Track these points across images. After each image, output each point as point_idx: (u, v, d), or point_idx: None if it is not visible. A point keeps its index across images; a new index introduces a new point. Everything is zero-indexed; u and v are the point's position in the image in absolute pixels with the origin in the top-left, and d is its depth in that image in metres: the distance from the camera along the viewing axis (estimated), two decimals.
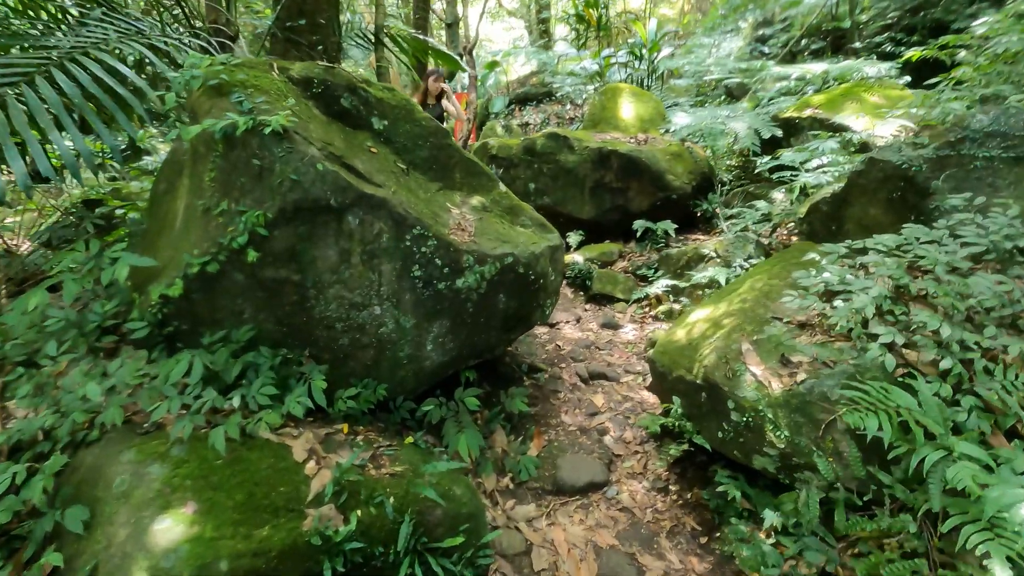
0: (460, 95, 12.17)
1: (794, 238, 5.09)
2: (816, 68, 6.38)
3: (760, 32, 12.05)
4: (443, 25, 11.41)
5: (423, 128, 3.06)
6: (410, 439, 2.55)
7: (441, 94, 6.15)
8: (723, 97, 10.25)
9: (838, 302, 2.68)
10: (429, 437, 2.91)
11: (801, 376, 2.46)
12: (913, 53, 5.20)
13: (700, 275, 4.54)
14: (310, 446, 2.11)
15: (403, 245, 2.48)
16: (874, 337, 2.39)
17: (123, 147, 4.46)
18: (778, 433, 2.38)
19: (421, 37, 4.96)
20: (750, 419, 2.47)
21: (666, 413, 3.36)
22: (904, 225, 2.90)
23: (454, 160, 3.18)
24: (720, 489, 2.60)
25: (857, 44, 7.86)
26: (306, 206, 2.26)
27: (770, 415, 2.41)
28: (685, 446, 2.80)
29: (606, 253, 5.84)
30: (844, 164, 4.59)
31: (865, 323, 2.48)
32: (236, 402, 2.10)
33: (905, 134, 5.14)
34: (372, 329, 2.59)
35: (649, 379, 4.06)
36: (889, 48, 8.68)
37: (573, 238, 6.22)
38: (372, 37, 5.18)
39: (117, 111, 2.62)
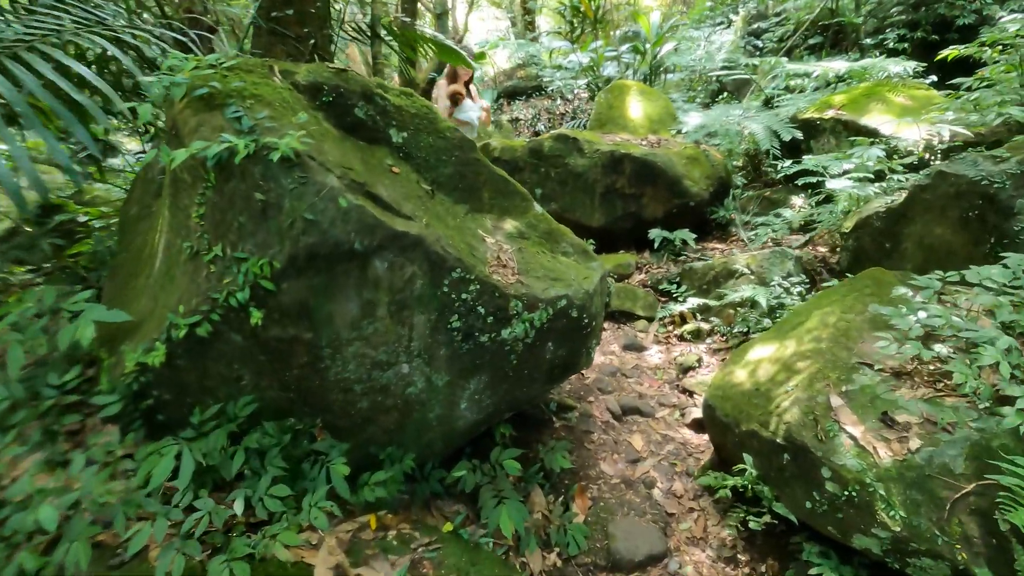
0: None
1: (824, 251, 4.76)
2: (835, 65, 6.05)
3: (755, 26, 11.75)
4: (432, 16, 10.82)
5: (447, 140, 2.59)
6: (449, 526, 2.11)
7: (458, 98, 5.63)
8: (724, 94, 9.92)
9: (939, 347, 2.32)
10: (461, 507, 2.47)
11: (914, 443, 2.09)
12: (951, 51, 4.88)
13: (735, 294, 4.17)
14: (335, 560, 1.65)
15: (440, 292, 2.02)
16: (1006, 399, 2.03)
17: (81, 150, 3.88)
18: (892, 513, 2.01)
19: (428, 32, 4.45)
20: (853, 492, 2.09)
21: (721, 464, 2.98)
22: (1005, 254, 2.54)
23: (482, 177, 2.72)
24: (813, 572, 2.22)
25: (868, 40, 7.57)
26: (324, 252, 1.78)
27: (881, 490, 2.03)
28: (767, 517, 2.41)
29: (622, 265, 5.44)
30: (876, 174, 4.26)
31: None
32: (239, 507, 1.63)
33: (937, 139, 4.84)
34: (398, 390, 2.14)
35: (688, 415, 3.68)
36: (891, 44, 8.44)
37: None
38: (367, 29, 4.64)
39: (74, 122, 2.09)
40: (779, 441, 2.37)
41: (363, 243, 1.82)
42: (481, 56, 14.21)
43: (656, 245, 5.53)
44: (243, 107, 1.80)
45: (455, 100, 5.09)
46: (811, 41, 9.96)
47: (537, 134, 11.67)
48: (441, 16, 9.28)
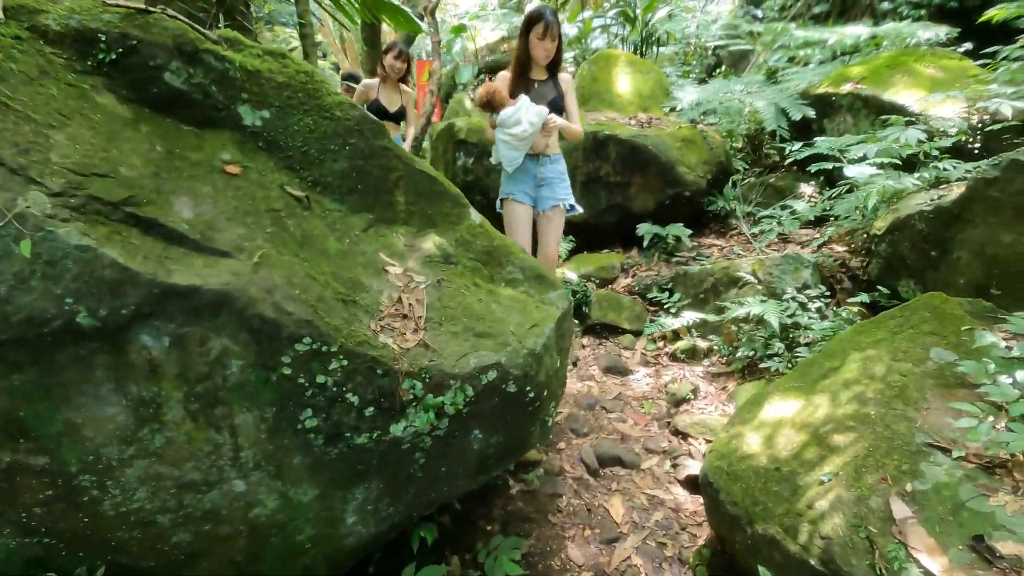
0: (422, 63, 10.69)
1: (844, 253, 3.99)
2: (855, 31, 5.21)
3: None
4: None
5: (338, 122, 1.79)
6: None
7: (405, 78, 4.75)
8: (722, 68, 9.05)
9: None
10: None
11: None
12: (997, 11, 4.05)
13: (738, 309, 3.40)
14: None
15: (276, 377, 1.23)
16: None
17: None
18: None
19: None
20: None
21: (724, 556, 2.24)
22: None
23: (395, 174, 1.92)
24: None
25: (886, 5, 6.71)
26: (18, 334, 0.98)
27: None
28: None
29: (605, 267, 4.66)
30: (905, 160, 3.47)
31: None
32: None
33: (979, 117, 4.05)
34: (236, 513, 1.37)
35: (681, 467, 2.94)
36: (906, 11, 7.59)
37: (562, 245, 5.01)
38: None
39: None
40: (813, 564, 1.62)
41: (99, 313, 1.02)
42: (461, 28, 13.22)
43: (645, 243, 4.75)
44: None
45: (491, 105, 2.95)
46: (816, 9, 9.08)
47: None
48: None
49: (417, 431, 1.41)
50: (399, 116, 4.71)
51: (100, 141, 1.18)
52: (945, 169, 3.33)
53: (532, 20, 2.97)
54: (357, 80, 6.04)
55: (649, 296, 4.35)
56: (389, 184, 1.91)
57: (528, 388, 1.57)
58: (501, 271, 1.97)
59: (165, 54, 1.44)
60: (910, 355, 2.01)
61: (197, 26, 1.57)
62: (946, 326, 2.08)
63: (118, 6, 1.37)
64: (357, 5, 4.09)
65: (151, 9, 1.43)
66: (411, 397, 1.36)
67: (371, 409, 1.33)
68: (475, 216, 2.07)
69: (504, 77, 3.15)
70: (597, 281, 4.57)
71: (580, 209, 3.42)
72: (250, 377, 1.20)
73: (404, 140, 4.77)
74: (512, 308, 1.74)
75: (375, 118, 1.96)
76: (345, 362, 1.28)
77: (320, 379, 1.26)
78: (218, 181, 1.41)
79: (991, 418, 1.61)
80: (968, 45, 5.05)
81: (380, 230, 1.84)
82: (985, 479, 1.58)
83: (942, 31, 4.84)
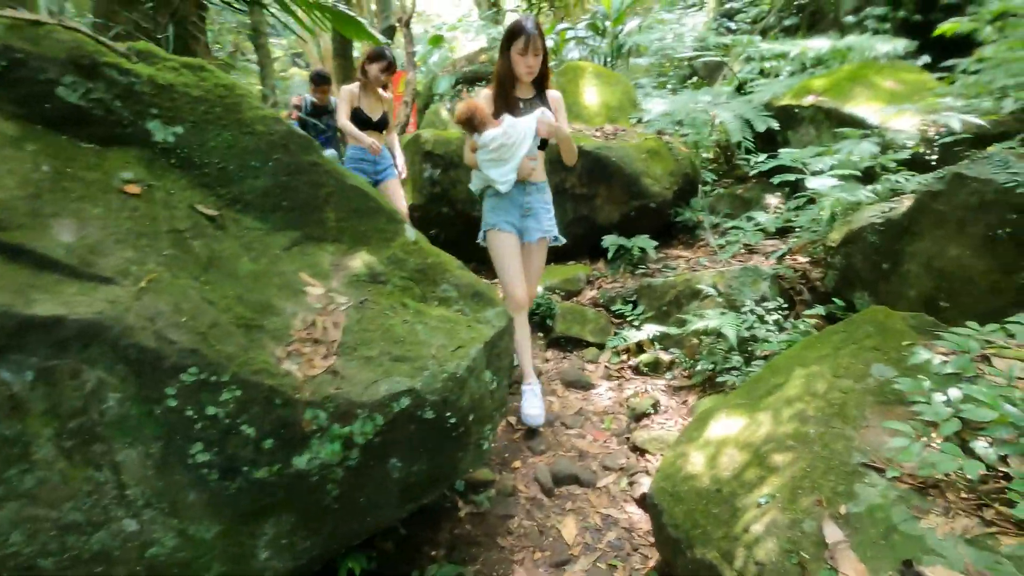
0: (398, 73, 10.66)
1: (806, 263, 3.99)
2: (815, 44, 5.28)
3: (727, 6, 10.99)
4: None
5: (260, 137, 1.73)
6: None
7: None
8: (695, 79, 9.14)
9: (982, 446, 1.55)
10: None
11: None
12: (950, 25, 4.12)
13: (698, 322, 3.38)
14: None
15: (161, 409, 1.16)
16: None
17: None
18: None
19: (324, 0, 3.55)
20: None
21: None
22: None
23: (325, 190, 1.86)
24: None
25: (851, 19, 6.82)
26: None
27: None
28: None
29: (571, 279, 4.62)
30: (866, 172, 3.48)
31: None
32: None
33: (934, 130, 4.10)
34: (130, 554, 1.28)
35: (637, 485, 2.88)
36: (872, 24, 7.73)
37: None
38: None
39: None
40: None
41: None
42: (438, 39, 13.24)
43: (611, 255, 4.73)
44: None
45: (472, 123, 2.75)
46: (787, 22, 9.22)
47: None
48: None
49: (324, 463, 1.34)
50: (382, 124, 4.50)
51: None
52: (898, 181, 3.35)
53: (513, 34, 2.71)
54: (326, 79, 5.86)
55: (613, 308, 4.32)
56: (319, 201, 1.85)
57: (448, 414, 1.51)
58: (435, 289, 1.91)
59: (57, 68, 1.37)
60: (851, 371, 1.99)
61: (102, 39, 1.50)
62: (888, 341, 2.06)
63: (3, 16, 1.31)
64: (316, 17, 4.04)
65: (43, 20, 1.36)
66: (315, 428, 1.29)
67: (270, 441, 1.26)
68: (410, 232, 2.02)
69: (486, 96, 2.87)
70: (562, 294, 4.53)
71: (564, 240, 3.33)
72: (131, 411, 1.13)
73: (390, 148, 4.68)
74: (438, 330, 1.68)
75: (303, 133, 1.91)
76: (239, 392, 1.21)
77: (210, 411, 1.19)
78: (113, 202, 1.34)
79: (924, 437, 1.58)
80: (926, 58, 5.13)
81: (306, 248, 1.78)
82: (918, 500, 1.55)
83: (900, 45, 4.92)
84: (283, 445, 1.28)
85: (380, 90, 4.41)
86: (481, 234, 3.15)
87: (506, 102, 2.78)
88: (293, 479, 1.33)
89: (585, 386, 3.76)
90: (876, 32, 7.05)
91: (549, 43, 9.99)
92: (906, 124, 4.20)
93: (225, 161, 1.68)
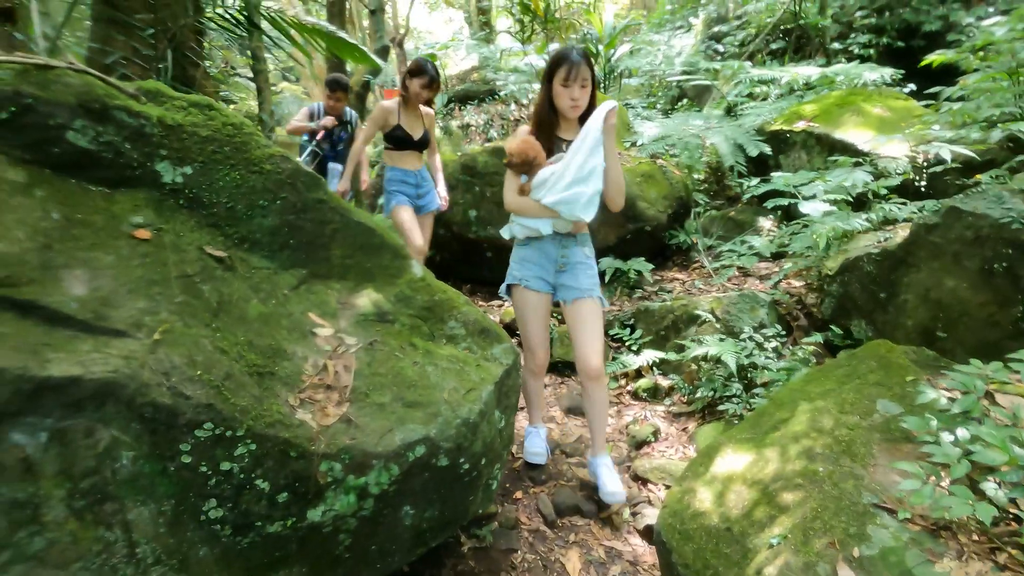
0: (390, 92, 10.72)
1: (801, 288, 4.04)
2: (805, 71, 5.39)
3: (715, 29, 11.22)
4: (367, 12, 9.88)
5: (267, 176, 1.72)
6: None
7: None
8: (684, 101, 9.28)
9: (992, 487, 1.56)
10: None
11: None
12: (937, 57, 4.24)
13: (697, 348, 3.39)
14: None
15: (174, 466, 1.13)
16: None
17: None
18: None
19: (314, 20, 3.55)
20: None
21: None
22: None
23: (331, 227, 1.85)
24: None
25: (836, 44, 6.98)
26: None
27: None
28: None
29: None
30: (858, 199, 3.54)
31: None
32: None
33: (924, 157, 4.19)
34: None
35: (641, 516, 2.86)
36: (857, 50, 7.93)
37: None
38: (243, 19, 3.71)
39: None
40: None
41: None
42: (431, 58, 13.34)
43: (607, 278, 4.75)
44: None
45: (529, 164, 2.33)
46: (773, 46, 9.42)
47: (489, 141, 10.88)
48: (375, 12, 8.35)
49: (339, 514, 1.32)
50: (423, 143, 4.07)
51: None
52: (891, 210, 3.41)
53: (556, 63, 2.33)
54: (343, 86, 4.85)
55: (611, 333, 4.33)
56: (324, 238, 1.84)
57: (462, 460, 1.50)
58: (443, 327, 1.90)
59: (67, 112, 1.35)
60: (857, 407, 2.00)
61: (109, 79, 1.49)
62: (892, 376, 2.08)
63: (12, 62, 1.29)
64: (317, 44, 4.06)
65: (53, 64, 1.35)
66: (330, 480, 1.27)
67: (285, 495, 1.23)
68: (417, 269, 2.01)
69: (524, 133, 2.44)
70: (559, 319, 4.52)
71: (608, 304, 2.95)
72: (144, 469, 1.10)
73: (432, 171, 4.28)
74: (449, 371, 1.67)
75: (314, 174, 1.90)
76: (253, 446, 1.18)
77: (225, 466, 1.16)
78: (123, 249, 1.32)
79: (934, 478, 1.59)
80: (912, 86, 5.26)
81: (313, 287, 1.76)
82: (931, 543, 1.55)
83: (887, 73, 5.04)
84: (298, 499, 1.25)
85: (422, 106, 4.03)
86: (504, 287, 2.69)
87: (547, 143, 2.37)
88: (306, 531, 1.30)
89: (583, 412, 3.75)
90: (861, 58, 7.23)
91: (540, 63, 10.09)
92: (895, 151, 4.29)
93: (233, 200, 1.66)
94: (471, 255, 5.50)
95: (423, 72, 3.82)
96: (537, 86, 10.83)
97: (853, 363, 2.20)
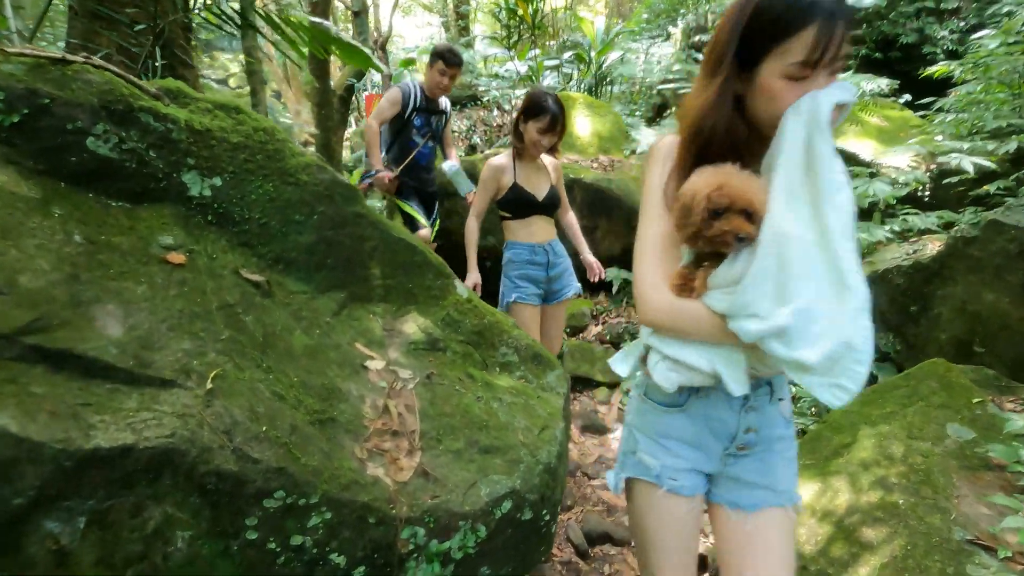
0: (372, 96, 10.45)
1: None
2: None
3: (696, 38, 11.33)
4: (350, 13, 9.63)
5: (303, 187, 1.53)
6: None
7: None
8: (671, 110, 9.29)
9: None
10: None
11: None
12: (938, 69, 4.28)
13: None
14: None
15: (238, 544, 0.93)
16: None
17: None
18: None
19: (313, 20, 3.33)
20: None
21: None
22: None
23: (370, 244, 1.66)
24: None
25: None
26: None
27: None
28: None
29: (576, 315, 4.49)
30: (864, 210, 3.51)
31: None
32: None
33: (926, 167, 4.22)
34: None
35: None
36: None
37: None
38: (236, 16, 3.47)
39: None
40: None
41: None
42: (410, 62, 13.13)
43: (615, 288, 4.63)
44: None
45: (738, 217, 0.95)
46: None
47: (472, 147, 10.70)
48: (359, 14, 8.10)
49: None
50: (552, 204, 2.86)
51: None
52: (905, 219, 3.38)
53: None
54: (458, 60, 3.73)
55: (621, 344, 4.20)
56: (363, 256, 1.65)
57: (544, 512, 1.33)
58: (495, 353, 1.73)
59: (88, 115, 1.14)
60: (926, 432, 1.91)
61: (131, 78, 1.27)
62: (956, 398, 1.99)
63: (24, 55, 1.07)
64: (308, 42, 3.83)
65: (71, 58, 1.14)
66: (411, 548, 1.08)
67: (362, 570, 1.04)
68: (461, 289, 1.84)
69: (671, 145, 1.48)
70: (568, 330, 4.38)
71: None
72: (202, 551, 0.90)
73: (570, 233, 3.11)
74: (515, 406, 1.50)
75: (346, 181, 1.70)
76: (329, 515, 0.99)
77: (296, 540, 0.97)
78: (157, 276, 1.11)
79: None
80: (908, 96, 5.33)
81: (354, 311, 1.57)
82: None
83: (884, 83, 5.08)
84: (375, 572, 1.06)
85: (544, 156, 2.84)
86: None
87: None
88: None
89: (600, 430, 3.61)
90: (844, 69, 7.34)
91: (524, 69, 9.98)
92: (899, 161, 4.31)
93: (267, 216, 1.46)
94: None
95: (543, 111, 2.59)
96: (520, 92, 10.76)
97: (912, 384, 2.11)
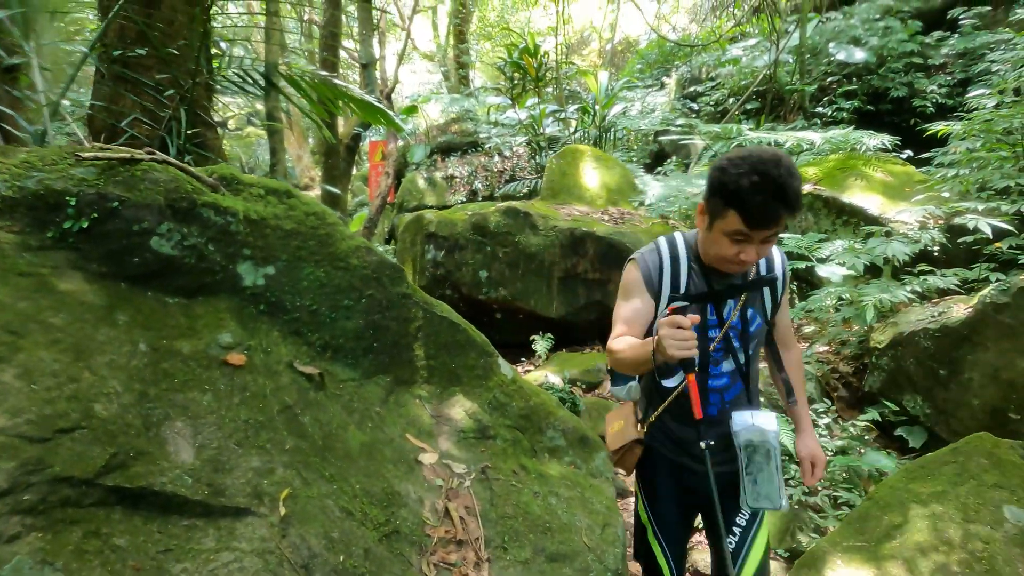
0: (376, 143, 10.63)
1: (829, 354, 3.96)
2: (808, 136, 5.53)
3: (691, 89, 11.66)
4: (357, 66, 9.87)
5: (353, 271, 1.50)
6: None
7: None
8: (674, 159, 9.49)
9: None
10: None
11: None
12: (943, 128, 4.39)
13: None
14: None
15: None
16: None
17: None
18: None
19: (333, 81, 3.39)
20: None
21: None
22: None
23: (414, 325, 1.62)
24: None
25: (820, 108, 7.28)
26: None
27: None
28: None
29: (590, 370, 4.42)
30: (863, 253, 3.50)
31: None
32: None
33: (935, 222, 4.27)
34: None
35: None
36: (830, 113, 8.31)
37: (541, 344, 4.78)
38: (260, 78, 3.53)
39: None
40: None
41: None
42: (412, 109, 13.43)
43: None
44: None
45: None
46: (748, 106, 9.82)
47: (474, 192, 10.83)
48: (367, 67, 8.29)
49: None
50: None
51: (66, 362, 0.83)
52: (925, 279, 3.39)
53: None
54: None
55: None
56: (408, 338, 1.61)
57: None
58: (542, 438, 1.68)
59: (154, 215, 1.12)
60: (983, 515, 1.84)
61: (192, 170, 1.26)
62: (1010, 476, 1.94)
63: (97, 158, 1.05)
64: (331, 103, 3.90)
65: (139, 156, 1.12)
66: None
67: None
68: (506, 369, 1.79)
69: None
70: (583, 386, 4.32)
71: None
72: None
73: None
74: (572, 501, 1.44)
75: (393, 262, 1.68)
76: None
77: None
78: (220, 382, 1.06)
79: None
80: (909, 152, 5.44)
81: (400, 397, 1.52)
82: None
83: (886, 139, 5.21)
84: None
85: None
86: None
87: None
88: None
89: (623, 494, 3.50)
90: (835, 121, 7.55)
91: (524, 116, 10.13)
92: (908, 216, 4.36)
93: (316, 302, 1.43)
94: (480, 316, 5.27)
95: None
96: (521, 139, 10.95)
97: (960, 459, 2.06)
